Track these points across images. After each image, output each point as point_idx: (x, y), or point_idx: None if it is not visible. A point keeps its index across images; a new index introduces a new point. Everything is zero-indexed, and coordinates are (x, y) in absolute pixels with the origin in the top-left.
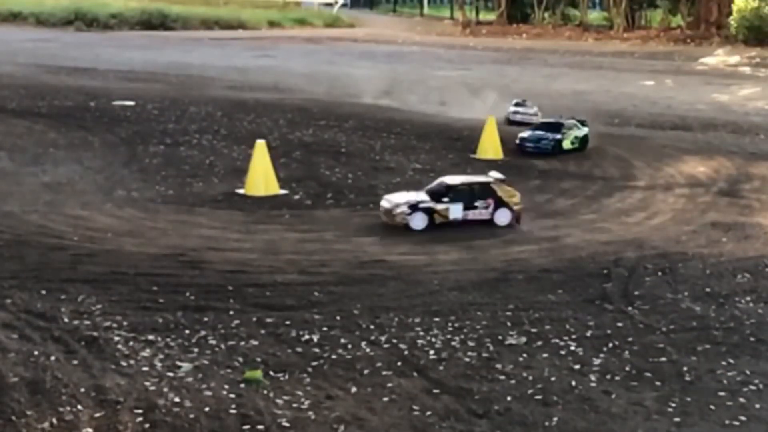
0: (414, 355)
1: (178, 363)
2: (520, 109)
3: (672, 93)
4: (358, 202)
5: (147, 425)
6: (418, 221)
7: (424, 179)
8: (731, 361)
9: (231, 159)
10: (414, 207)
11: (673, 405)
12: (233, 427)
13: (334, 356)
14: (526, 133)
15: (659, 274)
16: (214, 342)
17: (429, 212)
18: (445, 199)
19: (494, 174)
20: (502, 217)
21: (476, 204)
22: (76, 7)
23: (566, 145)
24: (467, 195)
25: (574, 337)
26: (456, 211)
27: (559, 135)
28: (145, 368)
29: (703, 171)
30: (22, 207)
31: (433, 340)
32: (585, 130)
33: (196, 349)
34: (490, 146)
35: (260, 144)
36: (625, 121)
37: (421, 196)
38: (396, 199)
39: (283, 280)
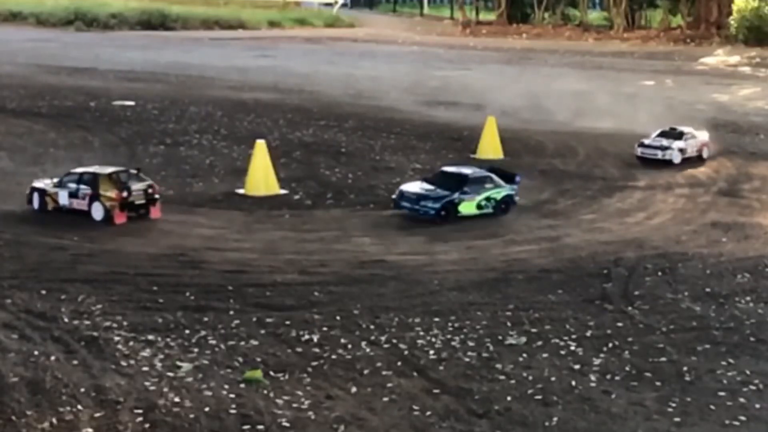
0: (414, 355)
1: (178, 363)
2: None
3: (672, 93)
4: (358, 202)
5: (147, 425)
6: (35, 203)
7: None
8: (731, 361)
9: (231, 159)
10: (33, 189)
11: (673, 405)
12: (233, 427)
13: (334, 356)
14: (409, 186)
15: (659, 274)
16: (214, 342)
17: (42, 194)
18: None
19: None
20: (96, 211)
21: (78, 193)
22: (76, 7)
23: (467, 208)
24: (75, 183)
25: (574, 337)
26: (63, 197)
27: (455, 194)
28: (145, 368)
29: (703, 171)
30: (22, 207)
31: (433, 340)
32: (506, 190)
33: (196, 349)
34: (490, 146)
35: (260, 144)
36: (625, 121)
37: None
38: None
39: (283, 280)
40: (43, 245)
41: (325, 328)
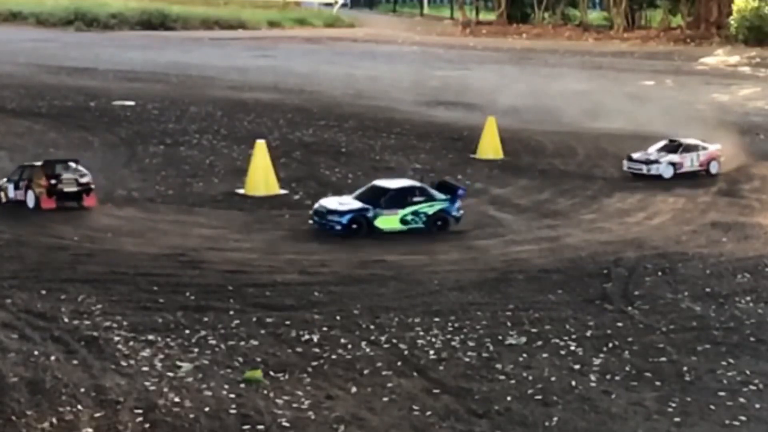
0: (414, 355)
1: (178, 363)
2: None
3: (672, 93)
4: None
5: (147, 425)
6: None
7: (425, 179)
8: (731, 361)
9: (231, 159)
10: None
11: (673, 405)
12: (233, 427)
13: (334, 356)
14: (326, 201)
15: (659, 274)
16: (214, 342)
17: None
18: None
19: None
20: (29, 199)
21: (19, 184)
22: (76, 7)
23: (387, 223)
24: (19, 176)
25: (574, 337)
26: (11, 190)
27: (370, 208)
28: (145, 368)
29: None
30: (21, 206)
31: (433, 340)
32: (440, 204)
33: (196, 349)
34: (490, 146)
35: (260, 144)
36: (625, 121)
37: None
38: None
39: (283, 280)
40: (44, 245)
41: (325, 328)
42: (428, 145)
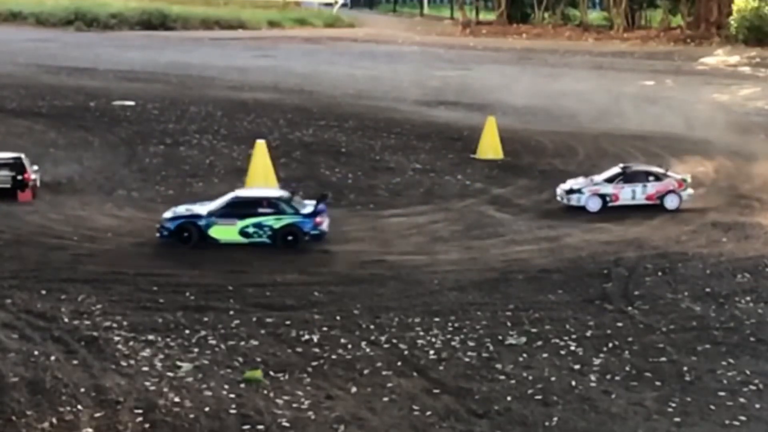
0: (414, 355)
1: (178, 363)
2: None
3: (672, 93)
4: (357, 202)
5: (147, 425)
6: None
7: (425, 179)
8: (731, 361)
9: (231, 159)
10: None
11: (673, 405)
12: (233, 427)
13: (334, 356)
14: (178, 207)
15: (659, 274)
16: (214, 342)
17: None
18: None
19: None
20: None
21: None
22: (76, 7)
23: (223, 234)
24: None
25: (574, 337)
26: None
27: (203, 218)
28: (145, 368)
29: (703, 171)
30: (22, 207)
31: (433, 340)
32: (291, 218)
33: (196, 349)
34: (490, 146)
35: (260, 144)
36: (625, 121)
37: None
38: None
39: (283, 280)
40: (44, 245)
41: (325, 328)
42: (428, 145)
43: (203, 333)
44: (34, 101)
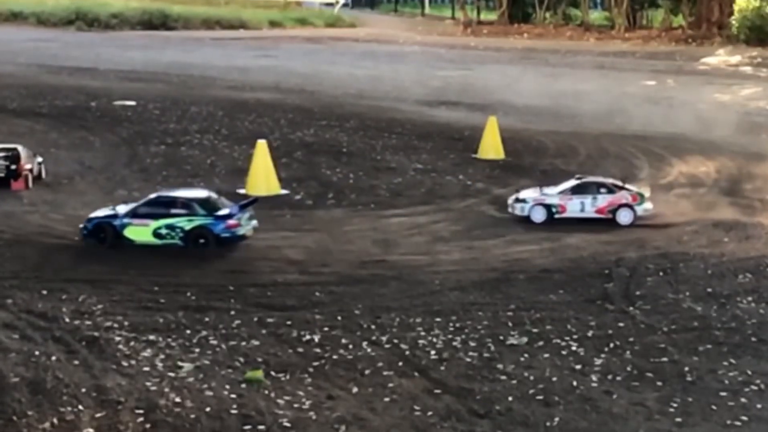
0: (415, 355)
1: (179, 363)
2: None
3: (673, 93)
4: (359, 202)
5: (148, 425)
6: None
7: (426, 179)
8: (733, 361)
9: (232, 159)
10: None
11: (675, 405)
12: (234, 427)
13: (335, 356)
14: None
15: (661, 274)
16: (215, 342)
17: None
18: None
19: None
20: None
21: None
22: (77, 7)
23: (138, 234)
24: None
25: (575, 337)
26: None
27: (118, 218)
28: (146, 368)
29: (704, 171)
30: (23, 207)
31: (435, 340)
32: (201, 220)
33: (197, 349)
34: (491, 146)
35: (261, 144)
36: (627, 121)
37: None
38: None
39: (284, 280)
40: (45, 245)
41: (326, 329)
42: (429, 145)
43: (204, 333)
44: (35, 101)
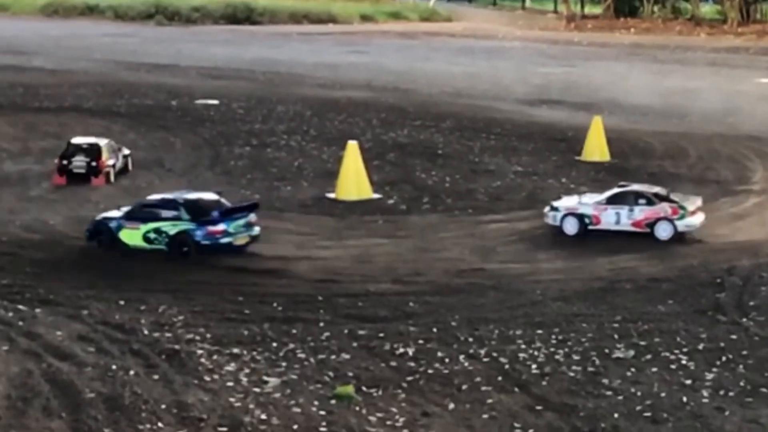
0: (515, 370)
1: (265, 378)
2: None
3: None
4: (455, 206)
5: None
6: None
7: (527, 183)
8: None
9: (321, 161)
10: None
11: None
12: None
13: (430, 370)
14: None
15: None
16: (303, 355)
17: None
18: None
19: None
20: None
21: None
22: (157, 0)
23: (130, 238)
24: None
25: (685, 350)
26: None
27: (115, 220)
28: (230, 383)
29: None
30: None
31: (536, 353)
32: (185, 225)
33: (283, 363)
34: (596, 148)
35: (352, 145)
36: (740, 121)
37: None
38: None
39: (376, 289)
40: (121, 253)
41: (420, 341)
42: (530, 147)
43: (291, 346)
44: (112, 100)
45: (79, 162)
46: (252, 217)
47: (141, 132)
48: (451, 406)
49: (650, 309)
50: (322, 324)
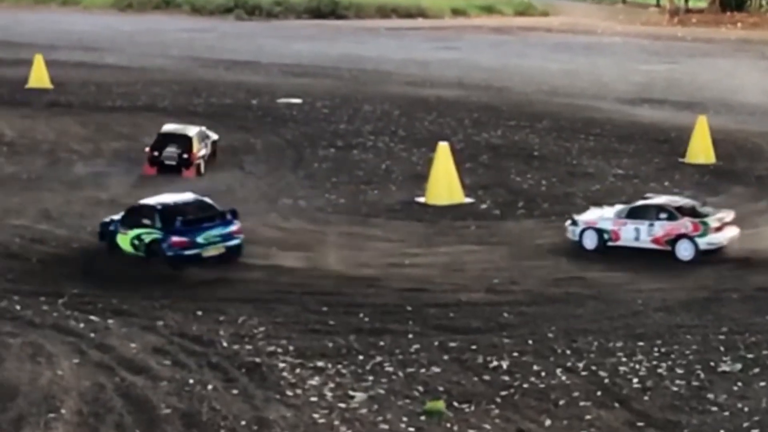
0: (615, 384)
1: (351, 392)
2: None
3: None
4: (552, 212)
5: None
6: None
7: (627, 186)
8: None
9: (410, 164)
10: None
11: None
12: None
13: (525, 385)
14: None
15: None
16: (390, 369)
17: None
18: None
19: None
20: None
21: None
22: None
23: (124, 243)
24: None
25: None
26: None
27: (115, 224)
28: (314, 398)
29: None
30: None
31: (637, 366)
32: (156, 234)
33: (370, 377)
34: (701, 149)
35: (443, 146)
36: None
37: None
38: None
39: (469, 299)
40: (198, 262)
41: (515, 354)
42: (631, 148)
43: (379, 359)
44: (189, 99)
45: (170, 153)
46: (234, 226)
47: (219, 133)
48: (548, 422)
49: (758, 320)
50: (411, 336)
